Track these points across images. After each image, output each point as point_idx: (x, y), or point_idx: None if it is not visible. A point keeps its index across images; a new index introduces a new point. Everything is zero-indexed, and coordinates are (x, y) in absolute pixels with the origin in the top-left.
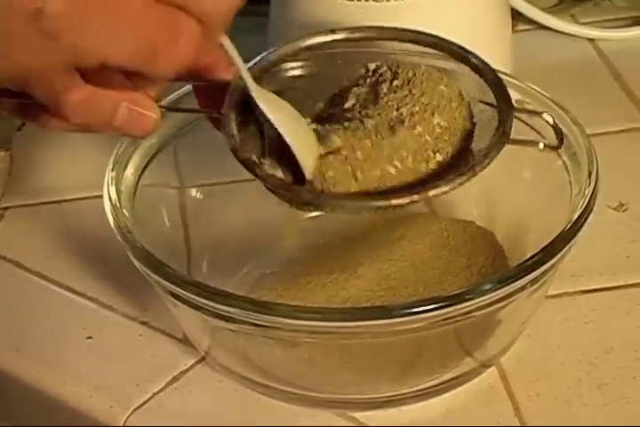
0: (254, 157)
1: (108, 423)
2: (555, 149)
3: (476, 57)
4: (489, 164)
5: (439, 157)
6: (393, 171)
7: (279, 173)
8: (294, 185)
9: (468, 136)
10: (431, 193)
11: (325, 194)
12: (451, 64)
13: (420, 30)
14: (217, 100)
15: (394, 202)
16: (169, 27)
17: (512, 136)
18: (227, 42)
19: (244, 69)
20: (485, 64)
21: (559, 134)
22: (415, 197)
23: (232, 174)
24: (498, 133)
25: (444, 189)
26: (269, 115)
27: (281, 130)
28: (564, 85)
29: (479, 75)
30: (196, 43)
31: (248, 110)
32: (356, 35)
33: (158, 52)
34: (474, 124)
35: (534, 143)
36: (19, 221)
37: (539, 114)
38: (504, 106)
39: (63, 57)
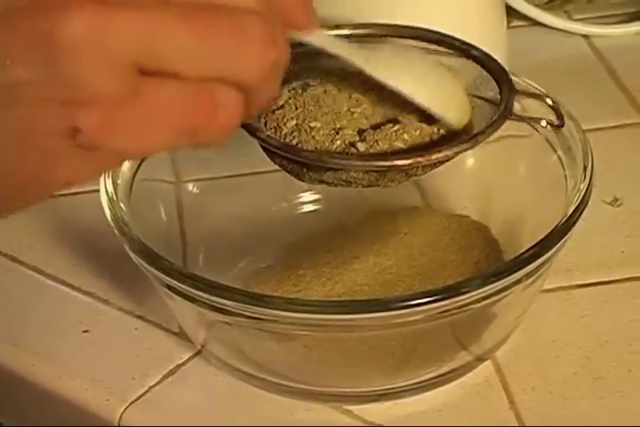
0: (256, 122)
1: (103, 417)
2: (557, 127)
3: (478, 49)
4: (491, 134)
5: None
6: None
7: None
8: (295, 145)
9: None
10: (434, 156)
11: (327, 152)
12: (451, 60)
13: (423, 27)
14: None
15: (397, 162)
16: (204, 105)
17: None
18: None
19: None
20: (487, 55)
21: (559, 114)
22: (419, 159)
23: (228, 169)
24: (500, 108)
25: (447, 153)
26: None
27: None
28: (559, 82)
29: (481, 65)
30: (239, 110)
31: None
32: (361, 31)
33: (203, 130)
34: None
35: (537, 120)
36: (14, 216)
37: (540, 96)
38: (506, 88)
39: (106, 161)
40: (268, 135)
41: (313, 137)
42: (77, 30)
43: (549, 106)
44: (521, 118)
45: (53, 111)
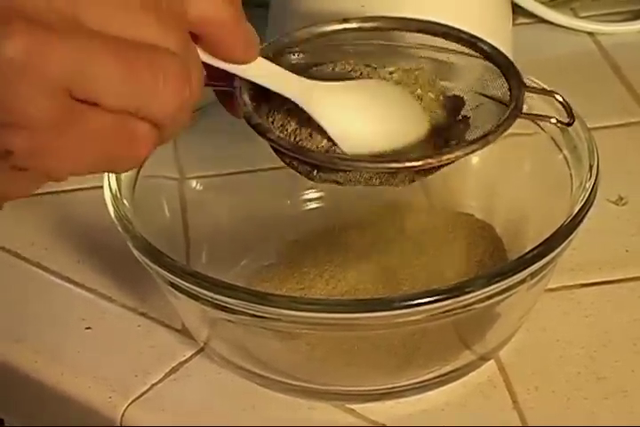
0: (266, 122)
1: (106, 414)
2: (567, 125)
3: (486, 43)
4: (501, 133)
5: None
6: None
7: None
8: (305, 147)
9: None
10: (445, 157)
11: (337, 154)
12: (455, 57)
13: (430, 20)
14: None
15: (408, 164)
16: (123, 137)
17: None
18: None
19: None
20: (495, 49)
21: (570, 112)
22: (430, 160)
23: (232, 166)
24: (510, 107)
25: (458, 153)
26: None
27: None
28: (564, 79)
29: (490, 60)
30: (153, 143)
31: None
32: (369, 24)
33: (119, 159)
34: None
35: (547, 118)
36: (18, 212)
37: (549, 93)
38: (516, 84)
39: (34, 180)
40: (279, 136)
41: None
42: (13, 53)
43: (560, 102)
44: (531, 117)
45: None
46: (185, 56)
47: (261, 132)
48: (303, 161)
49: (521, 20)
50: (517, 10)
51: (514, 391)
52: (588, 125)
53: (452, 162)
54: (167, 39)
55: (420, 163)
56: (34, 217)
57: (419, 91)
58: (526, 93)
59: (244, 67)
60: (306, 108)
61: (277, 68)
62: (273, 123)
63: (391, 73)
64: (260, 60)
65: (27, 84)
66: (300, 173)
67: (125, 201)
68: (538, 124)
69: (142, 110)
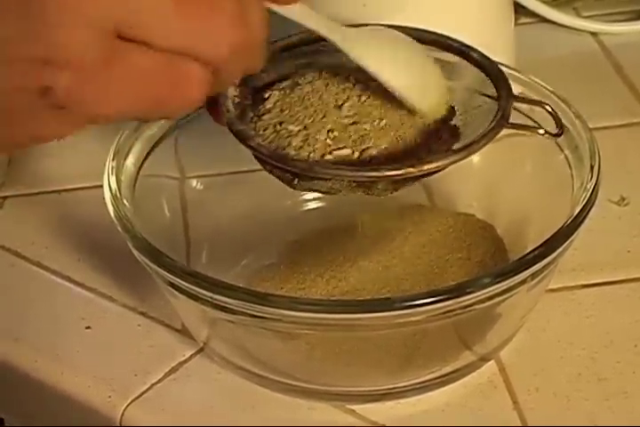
0: (248, 129)
1: (105, 414)
2: (555, 136)
3: (476, 51)
4: (485, 144)
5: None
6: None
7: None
8: (287, 154)
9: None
10: (426, 166)
11: (318, 162)
12: (454, 58)
13: (422, 28)
14: None
15: (388, 173)
16: (171, 77)
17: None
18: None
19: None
20: (486, 58)
21: (559, 122)
22: (410, 170)
23: (232, 166)
24: (497, 116)
25: (439, 163)
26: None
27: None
28: (566, 79)
29: (480, 68)
30: (206, 86)
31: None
32: None
33: (168, 102)
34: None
35: (534, 129)
36: (18, 211)
37: (538, 103)
38: (504, 94)
39: (74, 121)
40: (259, 143)
41: (289, 142)
42: None
43: (549, 113)
44: (518, 127)
45: (27, 69)
46: None
47: (242, 139)
48: (284, 169)
49: (523, 19)
50: (520, 9)
51: (514, 392)
52: (590, 126)
53: (435, 172)
54: None
55: (400, 172)
56: (34, 216)
57: None
58: (525, 90)
59: (294, 9)
60: (347, 51)
61: (319, 14)
62: (255, 128)
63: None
64: (303, 5)
65: (74, 19)
66: (282, 180)
67: (125, 201)
68: (539, 124)
69: (194, 50)
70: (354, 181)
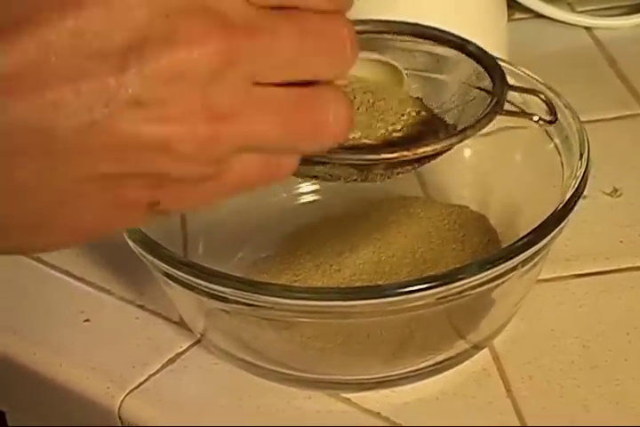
0: None
1: (103, 405)
2: (549, 123)
3: (473, 44)
4: (480, 129)
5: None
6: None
7: None
8: None
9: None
10: (421, 150)
11: None
12: (449, 51)
13: (418, 23)
14: None
15: (385, 155)
16: (312, 111)
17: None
18: None
19: None
20: (482, 50)
21: (552, 109)
22: (405, 153)
23: None
24: (491, 103)
25: (435, 146)
26: None
27: None
28: (561, 74)
29: (476, 60)
30: (349, 108)
31: None
32: (358, 27)
33: (316, 134)
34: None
35: (529, 116)
36: None
37: (532, 91)
38: (499, 83)
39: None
40: None
41: None
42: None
43: (543, 101)
44: (512, 114)
45: (140, 188)
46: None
47: None
48: None
49: (518, 15)
50: (514, 5)
51: (508, 380)
52: (585, 118)
53: (432, 156)
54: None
55: (395, 155)
56: None
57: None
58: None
59: None
60: None
61: None
62: None
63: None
64: None
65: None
66: None
67: None
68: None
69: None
70: (351, 165)
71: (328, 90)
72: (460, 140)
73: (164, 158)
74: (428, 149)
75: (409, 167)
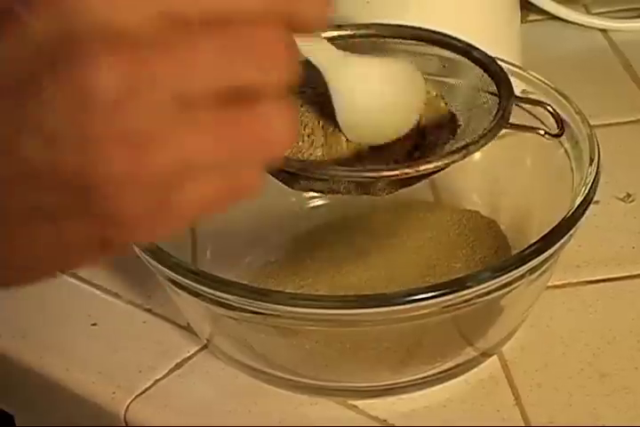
0: None
1: (110, 409)
2: (555, 136)
3: (479, 51)
4: (484, 145)
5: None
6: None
7: None
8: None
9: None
10: (423, 167)
11: (313, 162)
12: (456, 56)
13: (424, 27)
14: None
15: (385, 173)
16: (249, 123)
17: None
18: None
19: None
20: (488, 57)
21: (559, 122)
22: (407, 170)
23: None
24: (497, 117)
25: (437, 164)
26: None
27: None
28: (575, 76)
29: (482, 68)
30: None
31: None
32: (362, 31)
33: (259, 145)
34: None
35: (534, 129)
36: None
37: (540, 103)
38: (505, 94)
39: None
40: None
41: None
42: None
43: (550, 113)
44: (517, 127)
45: (87, 228)
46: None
47: None
48: (282, 169)
49: (532, 16)
50: (529, 6)
51: (516, 388)
52: (598, 122)
53: (431, 172)
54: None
55: (397, 172)
56: None
57: None
58: (527, 87)
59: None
60: (327, 79)
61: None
62: None
63: None
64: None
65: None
66: (280, 180)
67: None
68: (541, 121)
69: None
70: (351, 182)
71: (266, 99)
72: (464, 157)
73: (95, 196)
74: (429, 167)
75: (412, 182)
